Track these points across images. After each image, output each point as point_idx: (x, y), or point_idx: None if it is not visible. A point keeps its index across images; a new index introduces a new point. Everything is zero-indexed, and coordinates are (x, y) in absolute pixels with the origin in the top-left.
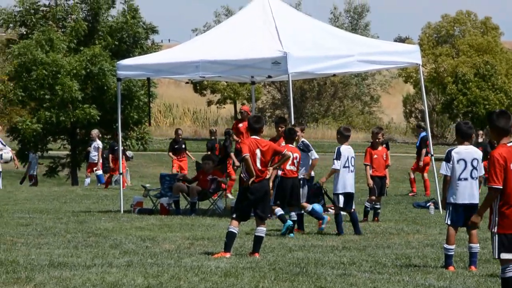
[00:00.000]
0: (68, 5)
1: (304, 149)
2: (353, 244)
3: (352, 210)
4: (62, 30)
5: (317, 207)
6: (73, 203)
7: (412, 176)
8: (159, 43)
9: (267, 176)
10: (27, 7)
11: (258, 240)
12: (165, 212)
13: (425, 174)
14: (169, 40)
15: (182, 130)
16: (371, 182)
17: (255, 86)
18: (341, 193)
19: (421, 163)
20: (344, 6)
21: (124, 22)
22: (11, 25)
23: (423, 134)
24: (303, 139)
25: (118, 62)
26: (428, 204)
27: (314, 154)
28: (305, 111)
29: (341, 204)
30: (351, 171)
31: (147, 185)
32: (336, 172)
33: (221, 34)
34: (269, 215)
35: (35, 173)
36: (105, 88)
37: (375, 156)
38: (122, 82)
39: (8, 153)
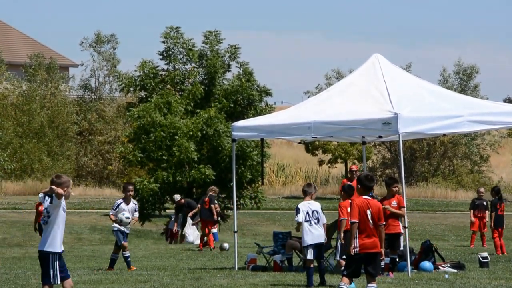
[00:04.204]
0: (185, 70)
1: None
2: None
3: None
4: (180, 93)
5: (427, 264)
6: (189, 260)
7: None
8: (273, 105)
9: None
10: (147, 72)
11: None
12: (278, 269)
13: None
14: (281, 102)
15: None
16: None
17: (366, 146)
18: (310, 245)
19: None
20: (453, 68)
21: (239, 85)
22: (131, 89)
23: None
24: None
25: (233, 124)
26: None
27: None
28: (414, 170)
29: (310, 257)
30: (315, 223)
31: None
32: (299, 225)
33: (332, 95)
34: (380, 272)
35: (173, 228)
36: (220, 148)
37: None
38: (236, 143)
39: (128, 218)
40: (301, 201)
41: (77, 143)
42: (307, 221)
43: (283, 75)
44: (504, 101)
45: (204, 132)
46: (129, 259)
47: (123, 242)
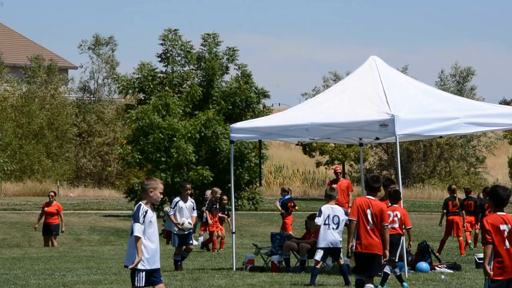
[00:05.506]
0: (184, 72)
1: None
2: None
3: (338, 263)
4: (178, 95)
5: (424, 265)
6: (187, 260)
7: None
8: (270, 107)
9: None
10: (145, 74)
11: None
12: (276, 269)
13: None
14: (279, 104)
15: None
16: None
17: (363, 147)
18: (321, 248)
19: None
20: (450, 70)
21: (237, 87)
22: (130, 91)
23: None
24: None
25: (231, 125)
26: None
27: None
28: (411, 172)
29: (318, 258)
30: (333, 228)
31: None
32: (317, 227)
33: (330, 97)
34: (379, 273)
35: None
36: (218, 150)
37: None
38: (234, 144)
39: (190, 223)
40: (301, 203)
41: (76, 144)
42: (326, 224)
43: (280, 77)
44: (500, 103)
45: (202, 133)
46: (182, 261)
47: (186, 245)
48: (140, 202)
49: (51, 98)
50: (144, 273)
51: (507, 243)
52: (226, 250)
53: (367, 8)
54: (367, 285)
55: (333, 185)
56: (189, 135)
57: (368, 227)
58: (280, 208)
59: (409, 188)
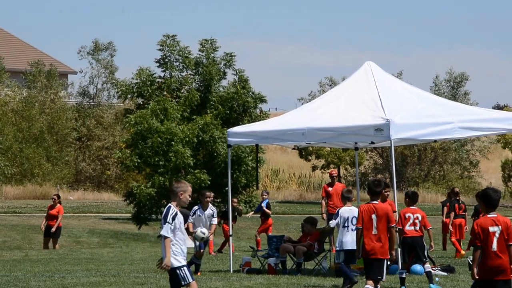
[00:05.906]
0: (182, 77)
1: None
2: None
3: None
4: (176, 100)
5: (418, 268)
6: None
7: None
8: (267, 112)
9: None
10: (144, 79)
11: None
12: (273, 272)
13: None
14: (276, 108)
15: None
16: None
17: (358, 151)
18: (339, 250)
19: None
20: (444, 75)
21: (234, 92)
22: (128, 96)
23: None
24: None
25: (228, 130)
26: None
27: None
28: (406, 176)
29: (340, 260)
30: (352, 230)
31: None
32: (331, 229)
33: (326, 102)
34: (378, 277)
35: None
36: (215, 154)
37: None
38: (232, 149)
39: (203, 233)
40: (297, 206)
41: (76, 148)
42: (345, 226)
43: (277, 82)
44: (494, 108)
45: (200, 138)
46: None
47: (198, 249)
48: (170, 204)
49: (51, 102)
50: (186, 267)
51: (494, 245)
52: (224, 252)
53: (363, 13)
54: (366, 286)
55: (329, 189)
56: (187, 139)
57: (372, 233)
58: (267, 210)
59: (403, 192)
